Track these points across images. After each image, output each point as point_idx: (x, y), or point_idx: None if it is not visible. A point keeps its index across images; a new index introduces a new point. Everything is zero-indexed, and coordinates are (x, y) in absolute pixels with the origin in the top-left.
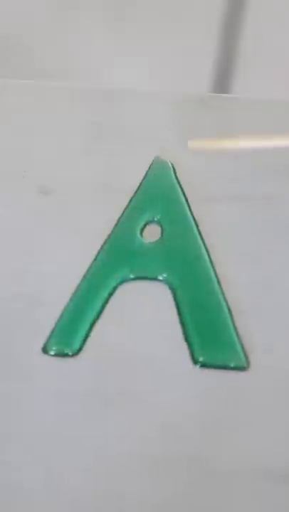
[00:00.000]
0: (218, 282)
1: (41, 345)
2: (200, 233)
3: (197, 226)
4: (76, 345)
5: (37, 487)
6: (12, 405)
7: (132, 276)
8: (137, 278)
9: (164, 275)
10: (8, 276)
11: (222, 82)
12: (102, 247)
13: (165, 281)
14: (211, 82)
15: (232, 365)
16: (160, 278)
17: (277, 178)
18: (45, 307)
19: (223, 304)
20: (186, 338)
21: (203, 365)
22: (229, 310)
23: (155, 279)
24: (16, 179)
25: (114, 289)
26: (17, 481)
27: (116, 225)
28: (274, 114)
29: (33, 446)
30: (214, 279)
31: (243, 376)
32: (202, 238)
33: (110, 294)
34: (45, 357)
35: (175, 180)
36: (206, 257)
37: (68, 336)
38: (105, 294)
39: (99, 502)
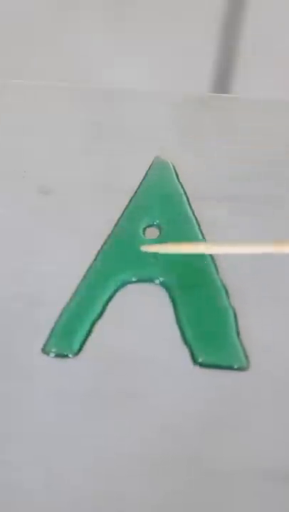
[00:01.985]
0: (219, 282)
1: (41, 345)
2: (201, 233)
3: (197, 226)
4: (76, 346)
5: (37, 487)
6: (12, 405)
7: (133, 278)
8: (138, 281)
9: (163, 276)
10: (8, 276)
11: (222, 82)
12: (102, 247)
13: (163, 283)
14: (211, 82)
15: (232, 365)
16: (157, 281)
17: (277, 178)
18: (45, 307)
19: (223, 303)
20: (185, 341)
21: (203, 366)
22: (229, 310)
23: (155, 280)
24: (16, 179)
25: (115, 291)
26: (17, 481)
27: (116, 225)
28: (274, 114)
29: (33, 446)
30: (215, 280)
31: (243, 376)
32: (203, 238)
33: (110, 295)
34: (45, 357)
35: (175, 181)
36: (206, 257)
37: (68, 336)
38: (105, 295)
39: (99, 502)
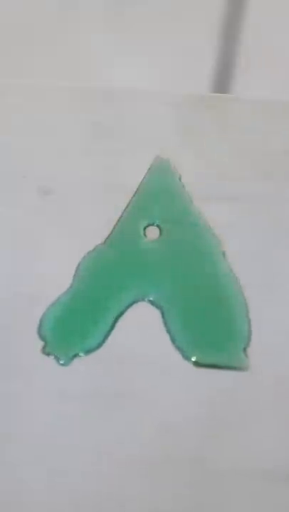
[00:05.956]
0: (220, 282)
1: (41, 345)
2: (202, 233)
3: (197, 226)
4: (71, 353)
5: (37, 487)
6: (12, 405)
7: (134, 280)
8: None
9: (164, 279)
10: (8, 276)
11: (222, 82)
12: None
13: (155, 298)
14: (211, 82)
15: (232, 365)
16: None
17: (278, 178)
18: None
19: (224, 303)
20: (175, 344)
21: (203, 366)
22: (229, 310)
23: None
24: (16, 179)
25: (119, 301)
26: (17, 481)
27: (116, 225)
28: (274, 114)
29: (33, 446)
30: (216, 279)
31: (243, 376)
32: (205, 238)
33: (117, 308)
34: (45, 357)
35: (175, 180)
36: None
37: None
38: (110, 303)
39: (99, 503)
